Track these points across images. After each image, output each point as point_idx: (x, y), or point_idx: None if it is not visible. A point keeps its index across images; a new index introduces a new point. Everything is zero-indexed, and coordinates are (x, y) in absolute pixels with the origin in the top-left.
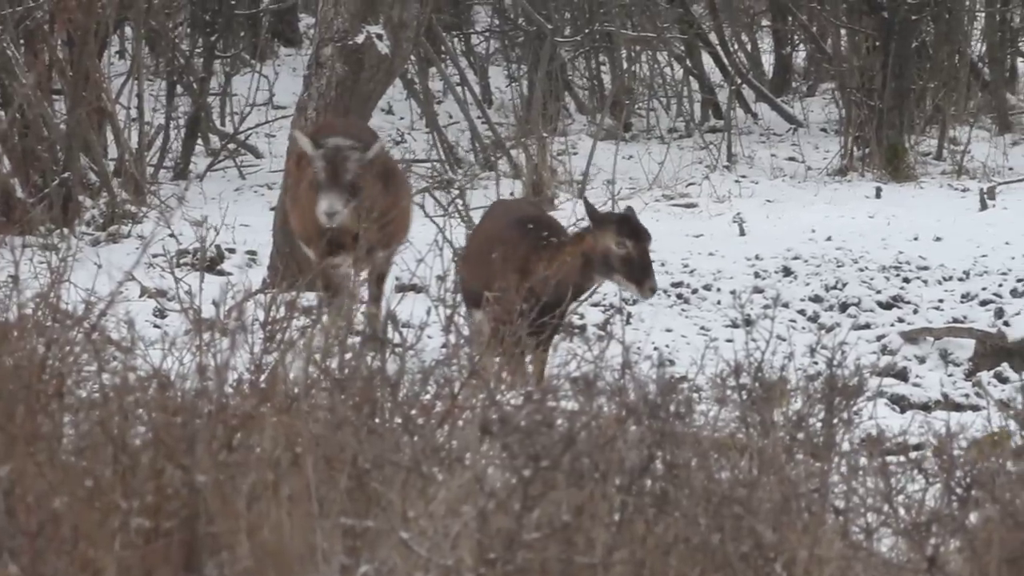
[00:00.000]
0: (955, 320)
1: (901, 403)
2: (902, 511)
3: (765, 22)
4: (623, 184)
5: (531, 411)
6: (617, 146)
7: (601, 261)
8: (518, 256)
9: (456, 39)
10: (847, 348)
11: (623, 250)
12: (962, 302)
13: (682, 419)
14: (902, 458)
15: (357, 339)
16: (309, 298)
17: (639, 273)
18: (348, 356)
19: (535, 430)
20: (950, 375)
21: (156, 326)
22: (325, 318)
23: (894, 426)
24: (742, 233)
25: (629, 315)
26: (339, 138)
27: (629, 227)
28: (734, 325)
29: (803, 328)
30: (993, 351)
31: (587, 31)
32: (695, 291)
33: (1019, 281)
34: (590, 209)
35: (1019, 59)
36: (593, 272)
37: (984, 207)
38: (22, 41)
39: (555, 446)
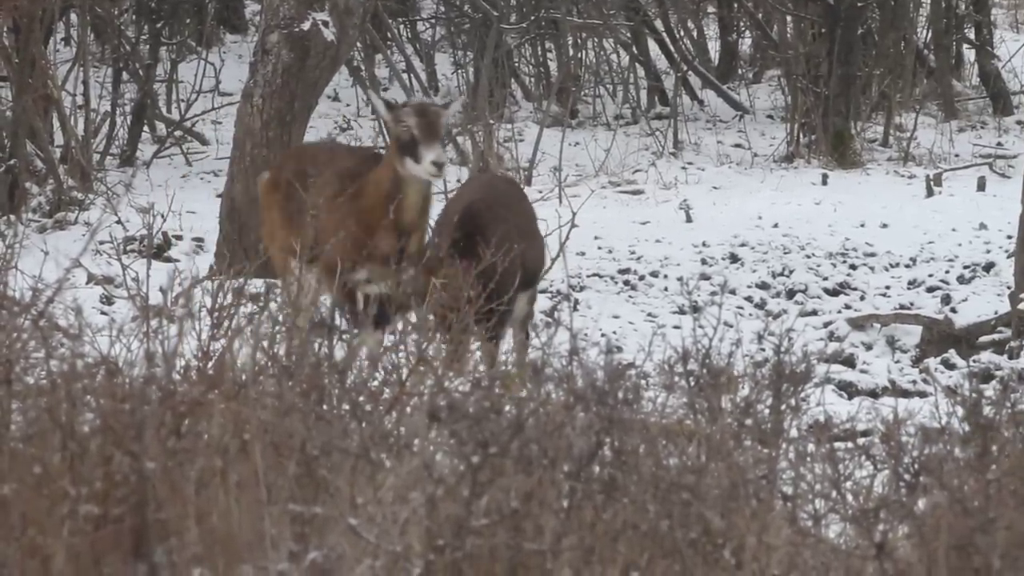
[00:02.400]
0: (902, 307)
1: (848, 389)
2: (850, 497)
3: (711, 9)
4: (569, 171)
5: (479, 398)
6: (563, 133)
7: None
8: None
9: (402, 26)
10: (794, 335)
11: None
12: (909, 288)
13: (630, 406)
14: (850, 444)
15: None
16: (256, 285)
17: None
18: (295, 343)
19: (483, 417)
20: (897, 361)
21: (103, 313)
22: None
23: (842, 412)
24: (689, 220)
25: (576, 302)
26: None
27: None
28: (681, 312)
29: (750, 315)
30: (940, 337)
31: (533, 18)
32: (642, 278)
33: (965, 268)
34: None
35: (965, 46)
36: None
37: (930, 194)
38: None
39: (503, 433)
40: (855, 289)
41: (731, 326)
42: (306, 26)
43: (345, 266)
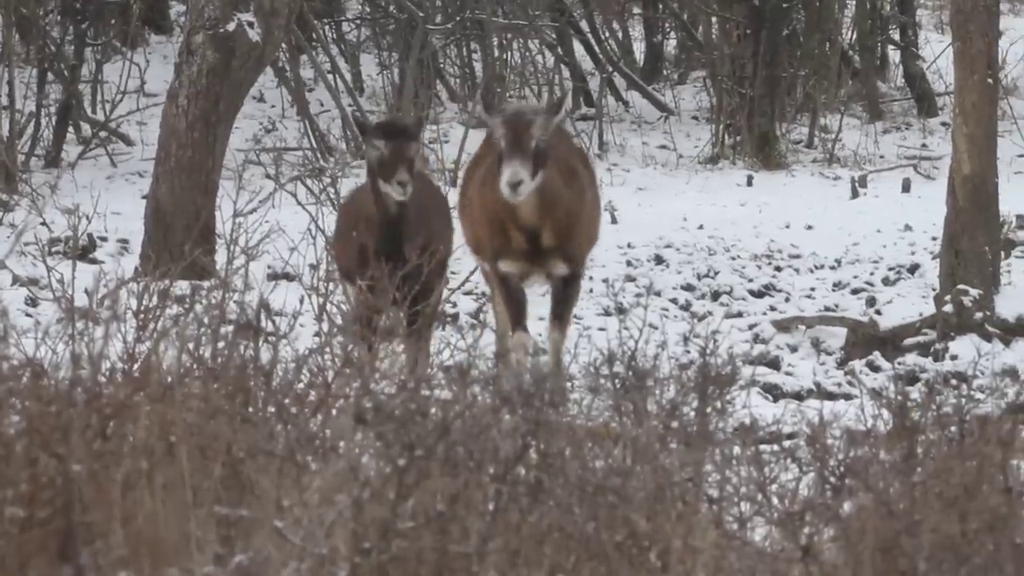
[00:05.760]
0: (827, 308)
1: (774, 392)
2: (776, 500)
3: (636, 10)
4: None
5: (405, 400)
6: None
7: (373, 179)
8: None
9: (327, 26)
10: (719, 337)
11: (376, 152)
12: (834, 290)
13: (556, 408)
14: (775, 447)
15: (230, 328)
16: (182, 287)
17: (388, 171)
18: (221, 345)
19: (409, 419)
20: (822, 364)
21: (28, 315)
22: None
23: (767, 415)
24: (614, 221)
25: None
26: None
27: (381, 130)
28: (607, 313)
29: (676, 316)
30: (865, 340)
31: (458, 19)
32: None
33: (890, 269)
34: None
35: (890, 47)
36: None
37: (855, 195)
38: None
39: (430, 435)
40: (780, 291)
41: (656, 328)
42: (231, 27)
43: (486, 256)
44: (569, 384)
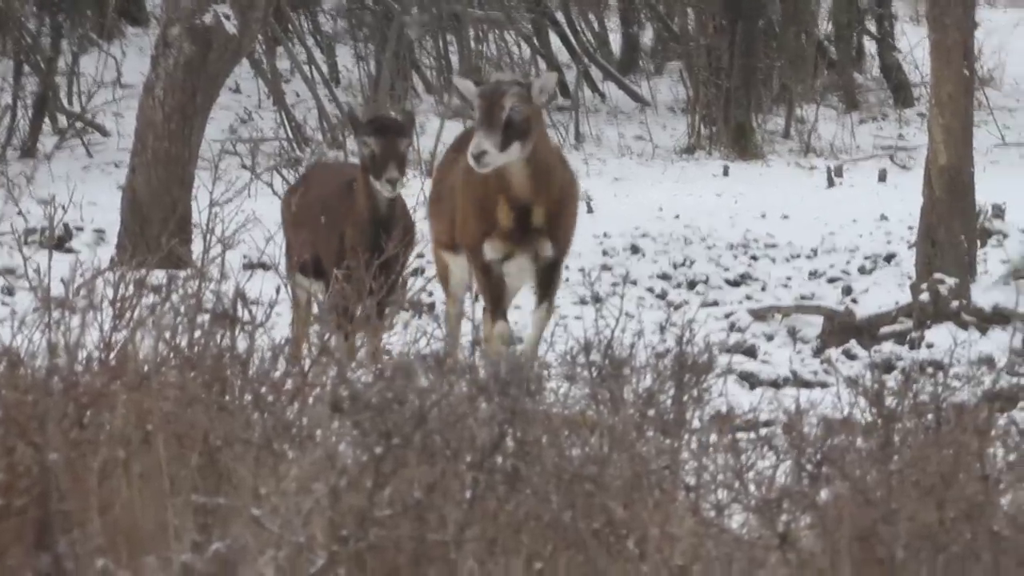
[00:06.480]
0: (803, 297)
1: (750, 380)
2: (753, 488)
3: (612, 1)
4: None
5: (382, 388)
6: (465, 125)
7: (365, 175)
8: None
9: (303, 18)
10: (696, 325)
11: (367, 148)
12: (810, 279)
13: (532, 396)
14: (752, 435)
15: (206, 317)
16: (158, 276)
17: (379, 168)
18: (198, 334)
19: (386, 407)
20: (799, 352)
21: (4, 304)
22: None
23: (744, 403)
24: (590, 211)
25: (478, 293)
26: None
27: (372, 126)
28: (583, 303)
29: (652, 305)
30: (841, 328)
31: (434, 10)
32: None
33: (866, 258)
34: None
35: (866, 38)
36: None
37: (831, 185)
38: None
39: (407, 423)
40: (756, 280)
41: (632, 317)
42: (208, 19)
43: (469, 243)
44: (545, 372)
